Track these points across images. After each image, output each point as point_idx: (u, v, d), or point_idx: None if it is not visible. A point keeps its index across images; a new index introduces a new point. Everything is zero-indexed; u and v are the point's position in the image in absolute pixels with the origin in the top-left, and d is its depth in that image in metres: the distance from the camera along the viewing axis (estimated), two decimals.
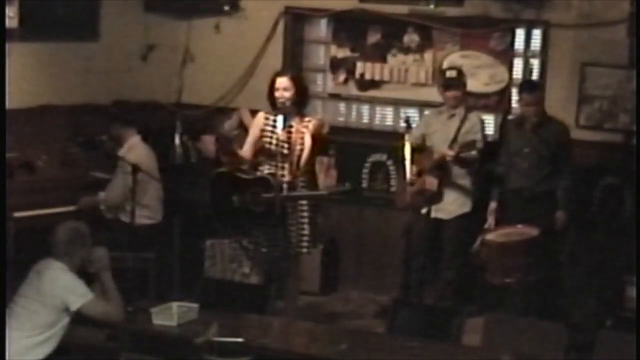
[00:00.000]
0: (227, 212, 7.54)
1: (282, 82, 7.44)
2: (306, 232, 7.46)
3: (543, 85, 8.21)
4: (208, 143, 8.91)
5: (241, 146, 7.70)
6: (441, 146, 8.10)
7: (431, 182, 8.11)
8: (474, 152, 7.92)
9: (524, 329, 6.18)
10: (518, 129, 8.07)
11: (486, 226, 7.99)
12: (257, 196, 7.34)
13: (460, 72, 8.28)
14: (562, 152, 7.96)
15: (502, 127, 8.45)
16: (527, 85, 8.15)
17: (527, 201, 7.94)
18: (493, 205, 8.06)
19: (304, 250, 7.53)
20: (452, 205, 8.18)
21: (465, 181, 8.19)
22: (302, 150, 7.37)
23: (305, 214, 7.45)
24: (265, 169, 7.49)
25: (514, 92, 8.63)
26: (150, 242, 8.05)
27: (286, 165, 7.40)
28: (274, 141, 7.46)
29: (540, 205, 7.92)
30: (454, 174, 8.14)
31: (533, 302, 7.94)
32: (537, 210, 7.90)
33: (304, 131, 7.38)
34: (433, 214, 8.18)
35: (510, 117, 8.55)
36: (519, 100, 8.09)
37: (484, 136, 8.21)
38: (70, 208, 7.98)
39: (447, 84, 8.28)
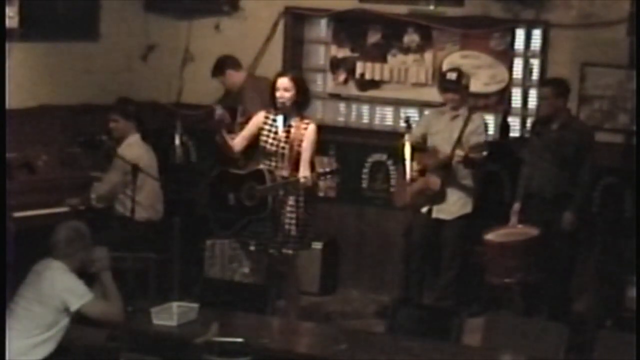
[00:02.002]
0: (224, 211, 7.59)
1: (283, 82, 7.47)
2: (293, 232, 7.45)
3: (564, 83, 8.06)
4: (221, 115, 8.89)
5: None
6: (444, 146, 8.08)
7: (435, 182, 8.10)
8: (484, 154, 7.92)
9: (524, 329, 6.18)
10: (542, 128, 8.03)
11: (509, 225, 7.96)
12: (250, 190, 7.38)
13: (460, 75, 8.21)
14: (584, 154, 7.87)
15: (533, 126, 8.35)
16: (543, 81, 8.16)
17: (548, 202, 7.90)
18: (517, 205, 7.98)
19: (290, 251, 7.51)
20: (454, 205, 8.17)
21: (468, 182, 8.19)
22: (299, 151, 7.39)
23: (294, 214, 7.44)
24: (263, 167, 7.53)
25: (515, 91, 8.68)
26: (150, 242, 8.05)
27: (283, 164, 7.42)
28: (271, 140, 7.48)
29: (560, 207, 7.88)
30: (457, 176, 8.13)
31: (533, 302, 7.94)
32: (557, 211, 7.87)
33: (303, 133, 7.41)
34: (434, 214, 8.17)
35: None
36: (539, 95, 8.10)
37: (487, 136, 8.20)
38: (68, 208, 7.98)
39: (444, 87, 8.25)
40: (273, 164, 7.46)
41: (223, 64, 8.98)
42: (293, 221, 7.44)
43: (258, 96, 8.51)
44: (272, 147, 7.46)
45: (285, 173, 7.41)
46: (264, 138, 7.52)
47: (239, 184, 7.53)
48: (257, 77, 9.00)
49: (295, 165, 7.41)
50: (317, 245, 8.68)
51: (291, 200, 7.44)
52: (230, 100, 8.93)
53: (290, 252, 7.51)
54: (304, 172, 7.36)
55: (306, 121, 7.51)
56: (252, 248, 7.60)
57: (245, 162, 7.71)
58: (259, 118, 7.60)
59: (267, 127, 7.53)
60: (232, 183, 7.56)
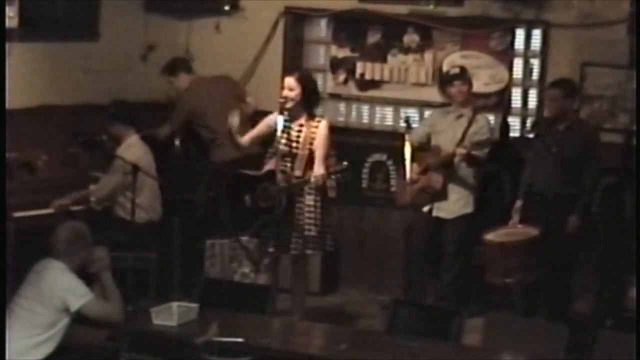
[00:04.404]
0: (239, 212, 7.62)
1: (288, 81, 7.50)
2: (313, 233, 7.46)
3: (572, 84, 8.09)
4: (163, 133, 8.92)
5: None
6: (447, 145, 8.08)
7: (437, 180, 8.11)
8: (485, 151, 7.92)
9: (524, 329, 6.18)
10: (548, 128, 8.02)
11: (510, 224, 7.95)
12: (265, 191, 7.42)
13: (463, 69, 8.27)
14: (588, 156, 7.86)
15: (534, 125, 8.37)
16: (552, 82, 8.14)
17: (550, 202, 7.90)
18: (519, 203, 7.97)
19: (309, 251, 7.54)
20: (454, 204, 8.17)
21: (469, 181, 8.19)
22: (311, 150, 7.39)
23: (312, 214, 7.46)
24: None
25: (515, 91, 8.70)
26: (150, 242, 8.05)
27: (296, 164, 7.42)
28: (283, 140, 7.49)
29: (562, 207, 7.88)
30: (460, 175, 8.13)
31: (533, 302, 7.94)
32: (559, 212, 7.87)
33: (314, 131, 7.41)
34: (435, 213, 8.18)
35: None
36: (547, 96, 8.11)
37: (490, 137, 8.20)
38: (69, 208, 7.98)
39: (451, 78, 8.25)
40: (288, 164, 7.46)
41: (177, 66, 9.01)
42: (312, 221, 7.45)
43: (209, 97, 8.64)
44: (284, 147, 7.47)
45: (299, 173, 7.41)
46: (276, 139, 7.53)
47: (253, 185, 7.55)
48: (209, 79, 9.06)
49: (310, 165, 7.41)
50: None
51: (309, 201, 7.45)
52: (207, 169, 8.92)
53: (308, 252, 7.53)
54: (318, 170, 7.36)
55: (317, 119, 7.51)
56: (270, 250, 7.63)
57: (262, 163, 7.72)
58: (271, 118, 7.61)
59: (279, 127, 7.53)
60: (247, 184, 7.57)
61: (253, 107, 9.02)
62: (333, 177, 7.56)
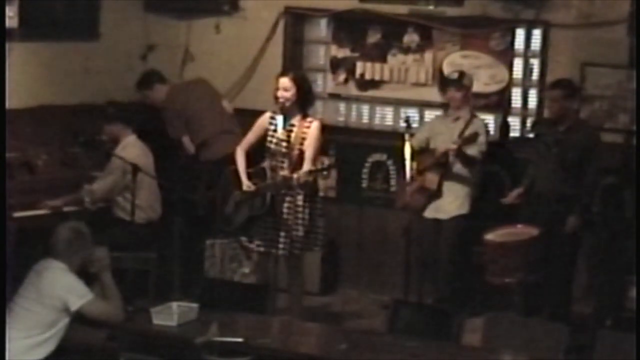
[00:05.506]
0: (227, 208, 7.61)
1: (283, 82, 7.50)
2: (300, 233, 7.47)
3: (573, 84, 8.10)
4: (188, 143, 8.91)
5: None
6: (444, 147, 8.09)
7: (432, 180, 8.12)
8: (479, 151, 7.92)
9: (524, 329, 6.18)
10: (548, 129, 8.03)
11: (502, 199, 7.97)
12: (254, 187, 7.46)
13: (462, 74, 8.25)
14: (588, 157, 7.87)
15: (534, 125, 8.39)
16: (552, 82, 8.13)
17: (551, 202, 7.90)
18: (520, 189, 8.02)
19: (296, 251, 7.54)
20: (450, 205, 8.18)
21: (466, 182, 8.19)
22: (301, 150, 7.40)
23: (300, 215, 7.47)
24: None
25: (515, 91, 8.70)
26: (150, 242, 8.05)
27: (286, 163, 7.43)
28: (275, 140, 7.51)
29: (563, 208, 7.87)
30: (454, 174, 8.14)
31: (533, 302, 7.94)
32: (560, 212, 7.86)
33: (306, 131, 7.42)
34: (431, 214, 8.19)
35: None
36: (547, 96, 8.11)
37: (487, 139, 8.19)
38: (62, 209, 7.97)
39: (445, 84, 8.28)
40: (278, 163, 7.48)
41: (150, 79, 8.98)
42: (299, 221, 7.46)
43: (190, 101, 8.67)
44: (276, 146, 7.50)
45: (289, 172, 7.42)
46: (268, 138, 7.56)
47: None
48: (185, 84, 9.10)
49: (299, 164, 7.42)
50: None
51: (299, 200, 7.46)
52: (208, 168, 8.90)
53: (298, 252, 7.53)
54: (305, 169, 7.38)
55: (309, 119, 7.53)
56: (262, 249, 7.62)
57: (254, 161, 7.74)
58: (264, 119, 7.63)
59: (271, 127, 7.57)
60: (237, 181, 7.58)
61: (228, 111, 9.05)
62: (317, 175, 7.55)
